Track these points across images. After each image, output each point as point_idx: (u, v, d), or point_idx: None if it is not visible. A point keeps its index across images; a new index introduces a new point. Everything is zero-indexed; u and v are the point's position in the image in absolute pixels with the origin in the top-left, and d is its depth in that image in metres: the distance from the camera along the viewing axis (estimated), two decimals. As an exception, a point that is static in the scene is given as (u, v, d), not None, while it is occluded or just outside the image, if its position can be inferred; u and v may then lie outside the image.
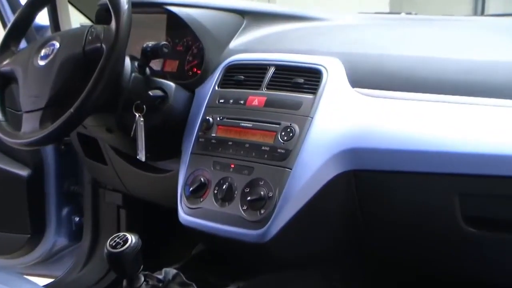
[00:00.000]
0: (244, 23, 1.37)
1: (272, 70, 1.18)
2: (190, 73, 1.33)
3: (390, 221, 1.11)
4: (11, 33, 1.28)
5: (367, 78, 1.11)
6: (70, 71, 1.15)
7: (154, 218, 1.79)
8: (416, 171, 1.03)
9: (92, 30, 1.15)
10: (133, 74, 1.19)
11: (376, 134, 1.05)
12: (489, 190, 1.00)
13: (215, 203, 1.11)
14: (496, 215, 1.02)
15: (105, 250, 1.04)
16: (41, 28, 1.75)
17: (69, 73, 1.15)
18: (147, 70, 1.22)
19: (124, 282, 1.09)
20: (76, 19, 1.74)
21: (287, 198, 1.05)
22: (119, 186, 1.61)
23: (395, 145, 1.03)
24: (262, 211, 1.05)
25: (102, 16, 1.35)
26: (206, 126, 1.17)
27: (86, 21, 1.83)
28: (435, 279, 1.23)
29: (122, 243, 1.04)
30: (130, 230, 1.66)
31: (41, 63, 1.18)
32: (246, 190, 1.08)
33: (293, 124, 1.08)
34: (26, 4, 1.29)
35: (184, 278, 1.15)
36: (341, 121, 1.08)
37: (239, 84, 1.20)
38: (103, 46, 1.10)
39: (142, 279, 1.09)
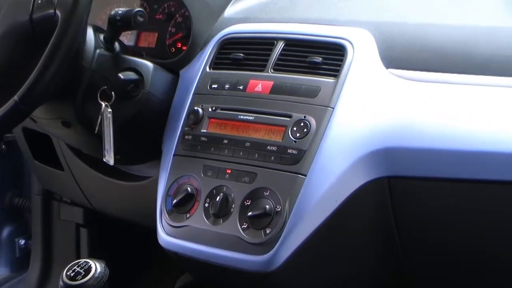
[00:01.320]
0: (244, -16, 1.38)
1: (280, 45, 1.18)
2: (173, 49, 1.33)
3: (437, 243, 1.11)
4: None
5: (406, 55, 1.11)
6: (12, 46, 1.15)
7: (125, 240, 1.79)
8: (472, 179, 1.02)
9: None
10: (97, 51, 1.19)
11: (418, 130, 1.05)
12: None
13: (205, 219, 1.11)
14: None
15: (61, 283, 1.04)
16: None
17: (11, 49, 1.15)
18: (117, 45, 1.22)
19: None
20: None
21: (300, 213, 1.05)
22: (79, 199, 1.61)
23: (444, 144, 1.03)
24: (267, 231, 1.05)
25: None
26: (195, 120, 1.17)
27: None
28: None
29: (83, 272, 1.04)
30: (93, 256, 1.65)
31: (-25, 35, 1.18)
32: (246, 203, 1.08)
33: (308, 117, 1.09)
34: None
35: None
36: (371, 113, 1.08)
37: (237, 64, 1.20)
38: (58, 13, 1.10)
39: (110, 320, 1.09)
